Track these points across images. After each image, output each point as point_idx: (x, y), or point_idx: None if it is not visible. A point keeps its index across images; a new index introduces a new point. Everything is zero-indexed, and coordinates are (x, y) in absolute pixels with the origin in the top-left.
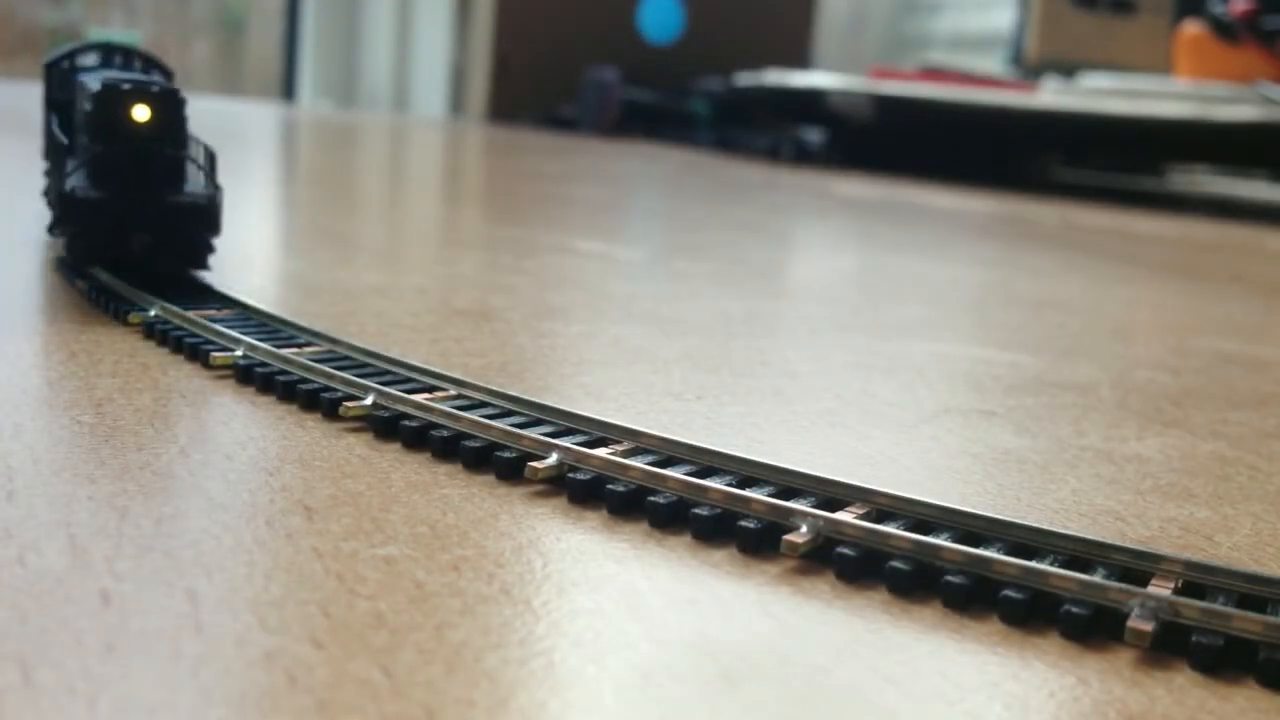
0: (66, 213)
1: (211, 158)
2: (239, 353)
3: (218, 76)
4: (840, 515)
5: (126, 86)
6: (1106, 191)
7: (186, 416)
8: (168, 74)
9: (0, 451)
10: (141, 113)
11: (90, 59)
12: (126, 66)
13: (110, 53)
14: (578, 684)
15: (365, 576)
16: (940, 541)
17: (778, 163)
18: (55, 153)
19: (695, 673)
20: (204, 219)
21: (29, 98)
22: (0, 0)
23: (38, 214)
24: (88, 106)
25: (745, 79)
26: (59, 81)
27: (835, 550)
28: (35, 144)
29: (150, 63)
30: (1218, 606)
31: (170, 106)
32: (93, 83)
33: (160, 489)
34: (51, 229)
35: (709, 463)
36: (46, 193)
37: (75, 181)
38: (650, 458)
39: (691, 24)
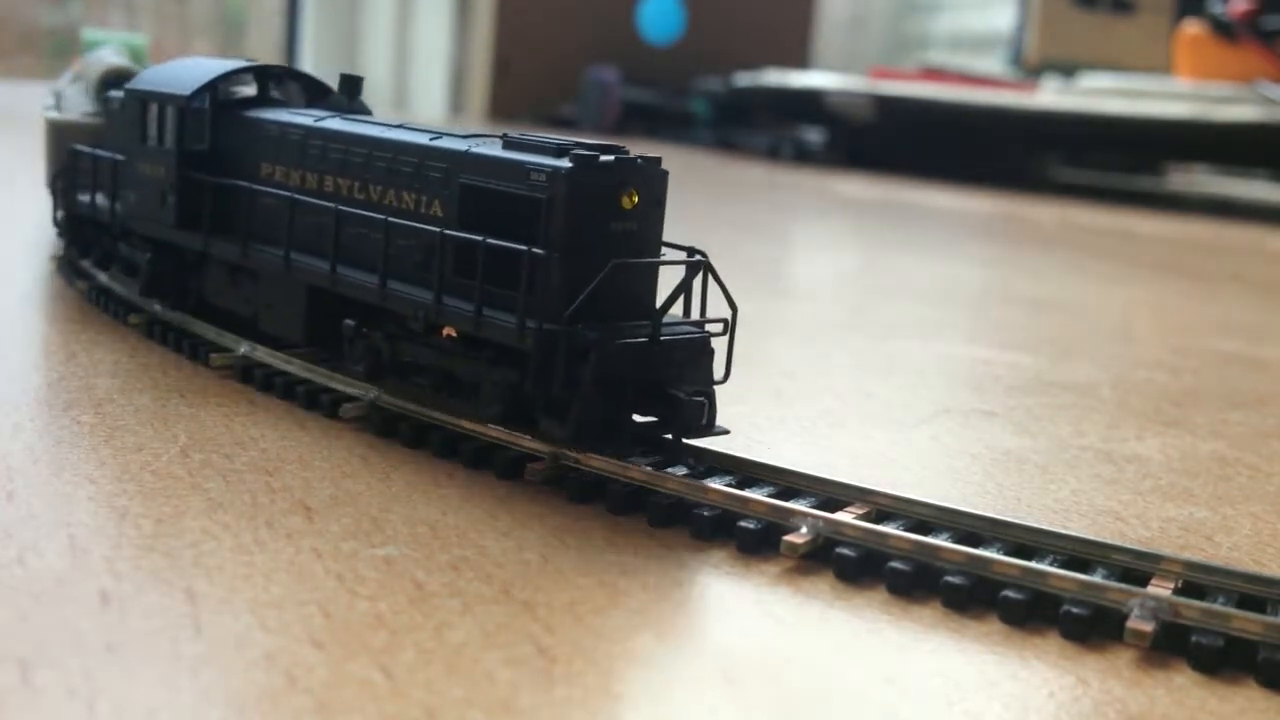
0: (569, 372)
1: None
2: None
3: None
4: (840, 515)
5: (608, 159)
6: (1106, 191)
7: (186, 416)
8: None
9: (0, 451)
10: (630, 200)
11: (233, 87)
12: (318, 100)
13: (265, 77)
14: (577, 683)
15: (365, 576)
16: (940, 542)
17: (778, 163)
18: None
19: (695, 672)
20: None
21: (30, 98)
22: (1, 1)
23: (38, 215)
24: (538, 191)
25: (745, 79)
26: (207, 124)
27: (835, 550)
28: (37, 145)
29: (317, 85)
30: (1218, 606)
31: (656, 186)
32: (486, 147)
33: (160, 489)
34: (540, 411)
35: (709, 463)
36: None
37: (575, 319)
38: (651, 459)
39: (691, 24)
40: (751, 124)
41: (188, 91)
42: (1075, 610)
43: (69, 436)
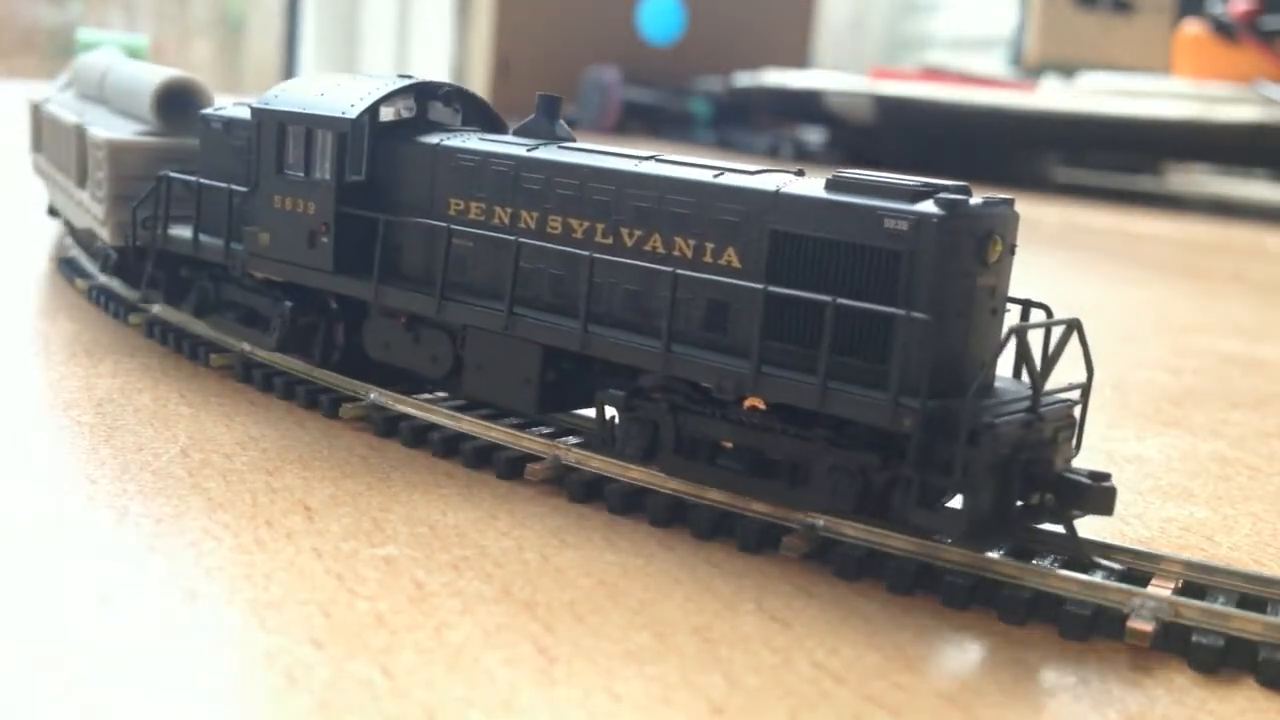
0: (969, 465)
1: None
2: None
3: (218, 76)
4: None
5: (976, 202)
6: (1106, 191)
7: (186, 416)
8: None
9: (0, 451)
10: (995, 250)
11: (389, 108)
12: (478, 121)
13: (427, 97)
14: (577, 683)
15: (365, 576)
16: (940, 542)
17: (778, 163)
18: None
19: (696, 671)
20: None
21: (30, 98)
22: (1, 1)
23: (38, 215)
24: (896, 243)
25: (745, 79)
26: (365, 151)
27: (835, 550)
28: (25, 143)
29: (480, 106)
30: (1218, 606)
31: (1012, 231)
32: (861, 197)
33: (160, 489)
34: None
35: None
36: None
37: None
38: None
39: (691, 24)
40: (751, 124)
41: (350, 114)
42: (1075, 610)
43: (69, 436)
